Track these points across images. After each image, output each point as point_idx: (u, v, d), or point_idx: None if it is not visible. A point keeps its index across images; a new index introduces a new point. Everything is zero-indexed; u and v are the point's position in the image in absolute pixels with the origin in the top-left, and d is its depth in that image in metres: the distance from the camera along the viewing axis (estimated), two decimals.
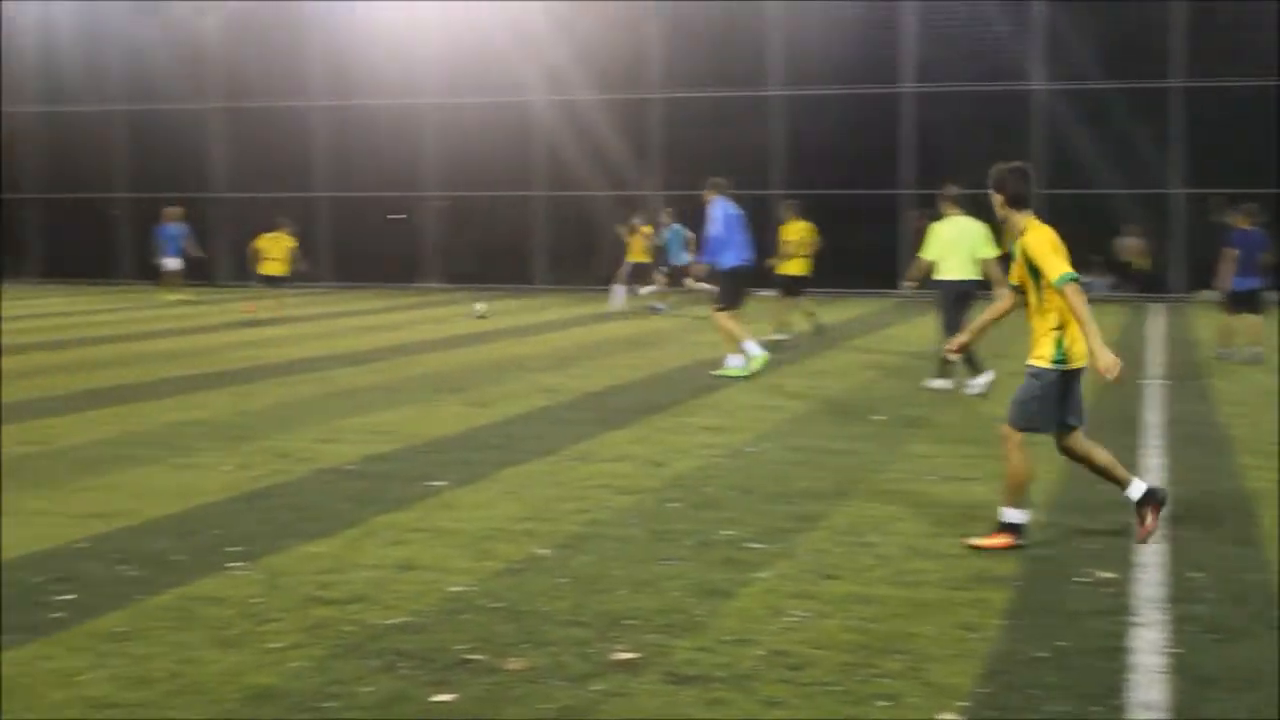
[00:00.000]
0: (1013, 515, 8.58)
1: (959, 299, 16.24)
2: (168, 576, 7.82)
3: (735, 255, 17.87)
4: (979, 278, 16.18)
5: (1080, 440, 8.84)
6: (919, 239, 17.46)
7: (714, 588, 7.59)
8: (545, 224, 39.32)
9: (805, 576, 7.83)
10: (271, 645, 6.57)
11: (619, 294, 31.17)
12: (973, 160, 35.22)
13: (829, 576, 7.84)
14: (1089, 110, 34.58)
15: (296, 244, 29.41)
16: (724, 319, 17.87)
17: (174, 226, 34.86)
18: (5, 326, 24.98)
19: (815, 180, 35.29)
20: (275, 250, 28.95)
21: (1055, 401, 8.63)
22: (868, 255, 35.47)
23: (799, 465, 11.36)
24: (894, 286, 31.47)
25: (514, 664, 6.29)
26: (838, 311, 29.87)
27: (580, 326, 26.24)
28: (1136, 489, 8.71)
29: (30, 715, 5.64)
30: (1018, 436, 8.65)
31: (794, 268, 23.71)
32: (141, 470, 11.11)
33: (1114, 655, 6.47)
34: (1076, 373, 8.67)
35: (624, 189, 37.77)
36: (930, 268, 16.54)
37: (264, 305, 28.72)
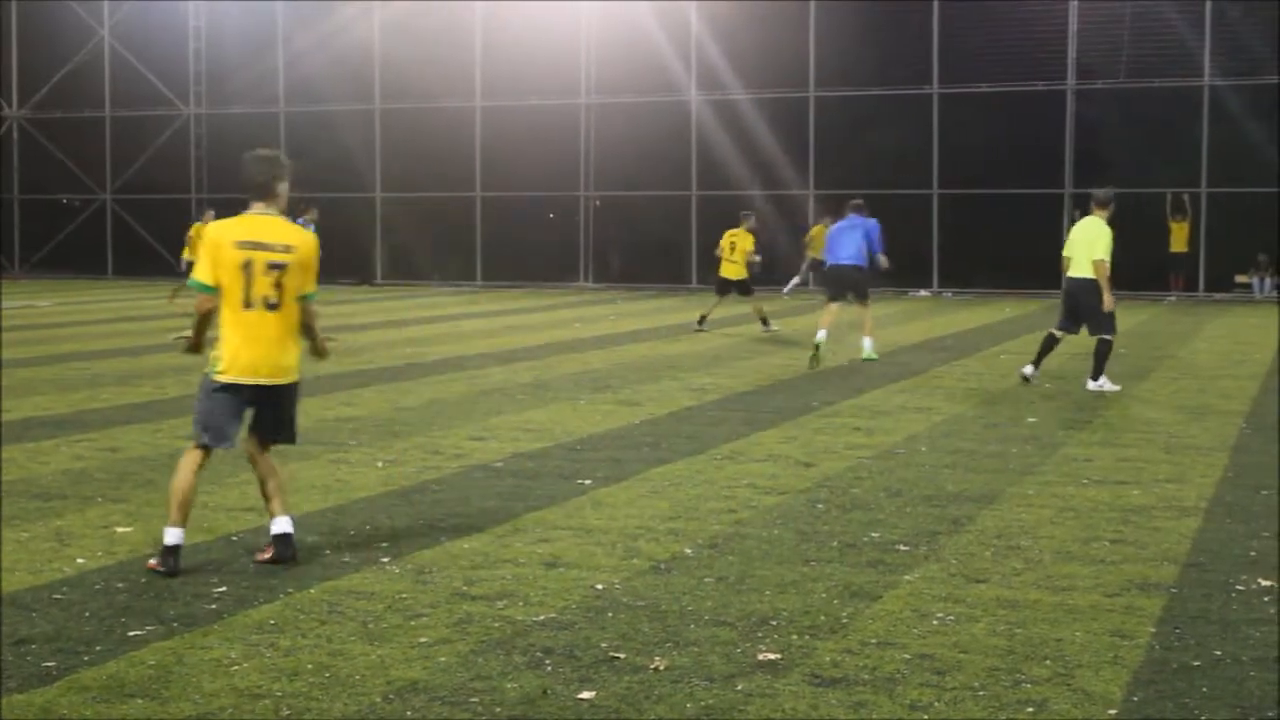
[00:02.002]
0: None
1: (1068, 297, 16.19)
2: (318, 570, 7.94)
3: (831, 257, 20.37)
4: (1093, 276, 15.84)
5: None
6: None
7: (859, 590, 7.53)
8: (699, 223, 39.33)
9: (952, 580, 7.74)
10: (419, 640, 6.64)
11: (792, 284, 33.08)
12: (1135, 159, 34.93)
13: (976, 580, 7.73)
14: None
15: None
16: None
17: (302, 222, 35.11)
18: (167, 324, 25.55)
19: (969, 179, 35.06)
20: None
21: None
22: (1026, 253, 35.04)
23: (949, 468, 11.23)
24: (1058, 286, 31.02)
25: (658, 662, 6.29)
26: (990, 313, 29.51)
27: (729, 327, 26.18)
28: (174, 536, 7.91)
29: (185, 703, 5.76)
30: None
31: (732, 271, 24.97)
32: (296, 465, 11.28)
33: (1271, 665, 6.30)
34: None
35: (780, 188, 37.65)
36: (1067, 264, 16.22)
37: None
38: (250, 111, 43.15)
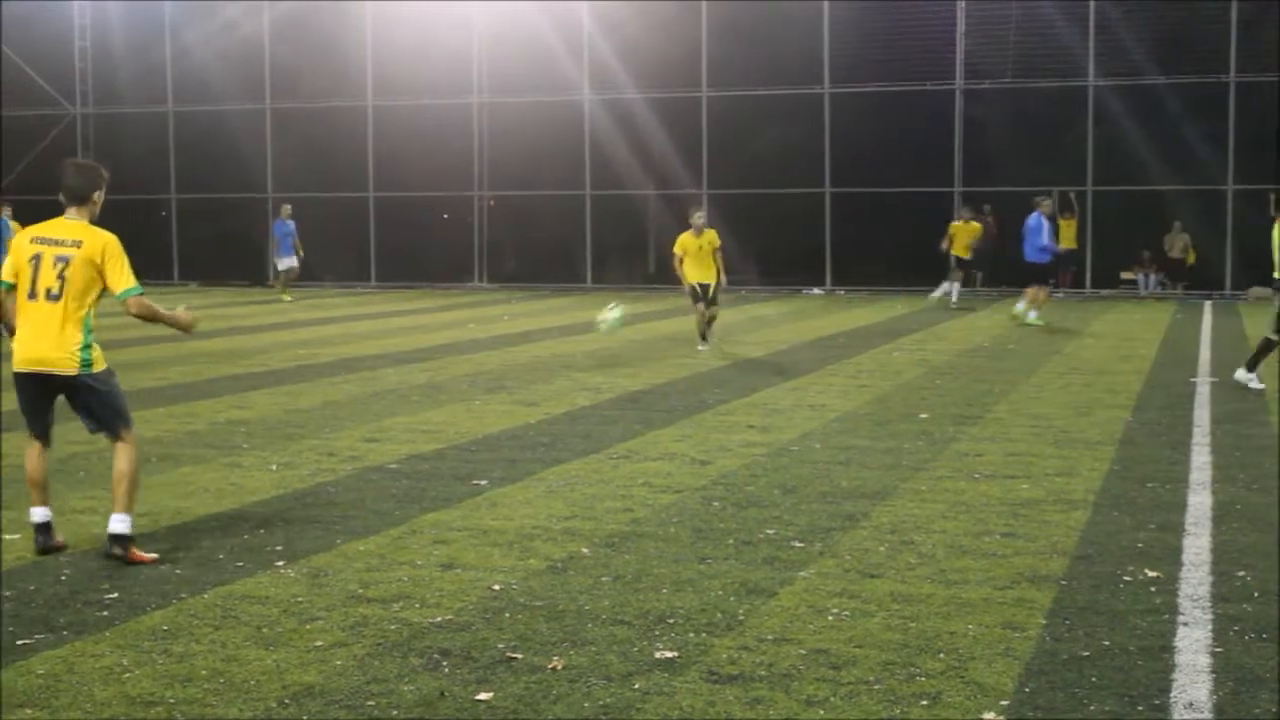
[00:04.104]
0: None
1: None
2: (211, 574, 7.87)
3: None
4: None
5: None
6: None
7: (756, 587, 7.58)
8: (593, 223, 39.33)
9: (847, 575, 7.81)
10: (314, 643, 6.60)
11: (947, 288, 30.87)
12: None
13: (871, 575, 7.82)
14: None
15: None
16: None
17: (282, 223, 34.39)
18: None
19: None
20: None
21: None
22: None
23: (843, 464, 11.33)
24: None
25: (555, 663, 6.30)
26: (881, 310, 29.79)
27: (627, 325, 26.20)
28: (37, 515, 8.49)
29: (76, 711, 5.69)
30: None
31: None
32: (188, 469, 11.18)
33: (1159, 655, 6.42)
34: None
35: (672, 187, 37.77)
36: None
37: None
38: (138, 111, 42.61)
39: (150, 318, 8.48)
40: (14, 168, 43.39)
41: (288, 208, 34.86)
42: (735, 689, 5.96)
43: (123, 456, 8.42)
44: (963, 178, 35.61)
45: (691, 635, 6.70)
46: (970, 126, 35.92)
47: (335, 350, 20.99)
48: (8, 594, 7.48)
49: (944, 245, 30.34)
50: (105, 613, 7.12)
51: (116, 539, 8.20)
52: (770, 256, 36.24)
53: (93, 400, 8.39)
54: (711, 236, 20.90)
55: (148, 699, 5.85)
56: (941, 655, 6.40)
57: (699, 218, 20.93)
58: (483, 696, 5.89)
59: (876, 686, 5.99)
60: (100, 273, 8.28)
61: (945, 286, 30.93)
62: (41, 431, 8.56)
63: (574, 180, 39.05)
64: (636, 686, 5.99)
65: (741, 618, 7.00)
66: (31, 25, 43.47)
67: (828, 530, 8.93)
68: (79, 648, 6.55)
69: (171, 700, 5.84)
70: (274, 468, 11.27)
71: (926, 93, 36.02)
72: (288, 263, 34.30)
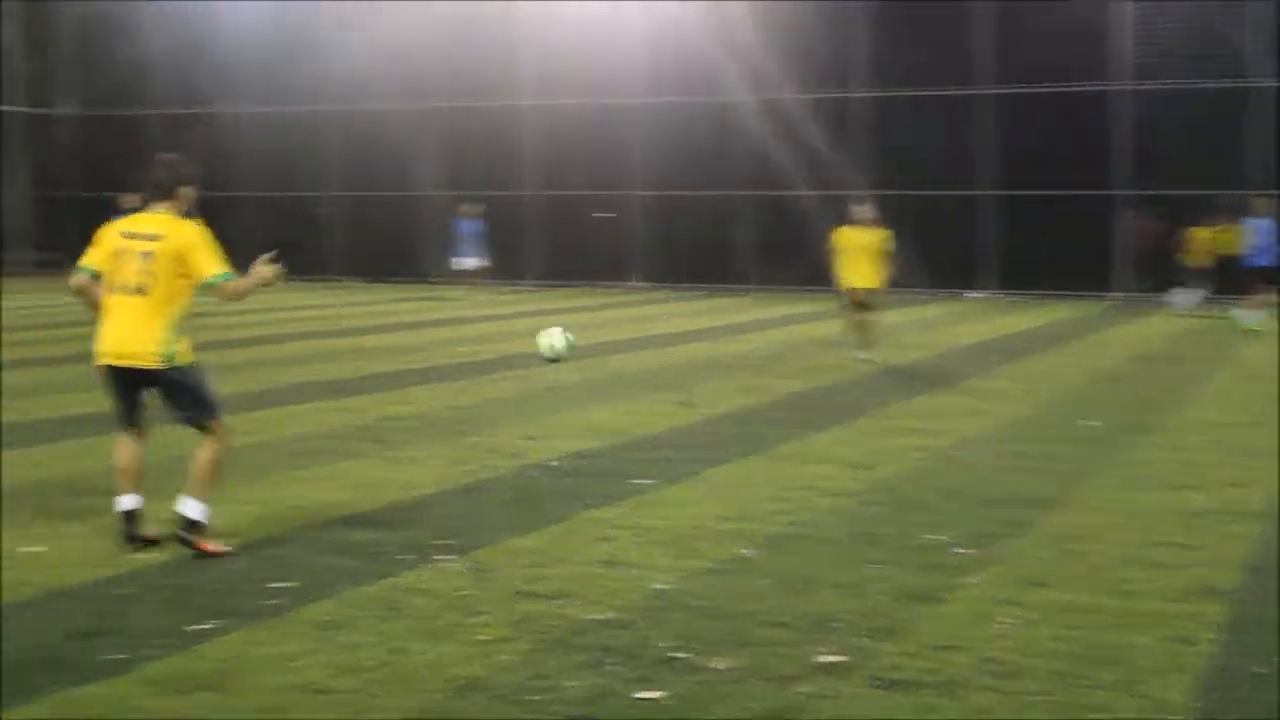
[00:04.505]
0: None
1: None
2: (377, 567, 7.96)
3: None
4: None
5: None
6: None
7: (920, 592, 7.49)
8: (750, 222, 39.20)
9: (1014, 583, 7.68)
10: (479, 637, 6.65)
11: (1185, 297, 29.32)
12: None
13: (1038, 584, 7.67)
14: None
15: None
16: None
17: (470, 223, 34.59)
18: (242, 319, 25.71)
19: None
20: None
21: None
22: None
23: (1007, 470, 11.16)
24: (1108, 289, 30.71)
25: (719, 663, 6.28)
26: (1043, 315, 29.34)
27: (784, 326, 26.15)
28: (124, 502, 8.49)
29: (248, 697, 5.79)
30: None
31: None
32: (354, 463, 11.34)
33: None
34: None
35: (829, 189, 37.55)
36: None
37: None
38: (301, 110, 43.40)
39: (244, 292, 8.51)
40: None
41: (470, 207, 35.04)
42: (901, 695, 5.88)
43: (206, 446, 8.45)
44: (1127, 180, 34.90)
45: (855, 640, 6.63)
46: (1136, 127, 35.16)
47: (496, 347, 21.18)
48: (180, 581, 7.64)
49: (1187, 251, 29.08)
50: (275, 601, 7.25)
51: (185, 521, 8.26)
52: (930, 258, 35.80)
53: (177, 393, 8.42)
54: (877, 234, 19.54)
55: (316, 687, 5.94)
56: (1112, 668, 6.26)
57: (864, 212, 19.67)
58: (645, 695, 5.88)
59: (1046, 698, 5.87)
60: (186, 264, 8.29)
61: (1188, 296, 29.18)
62: (130, 423, 8.58)
63: (731, 180, 38.98)
64: (801, 690, 5.94)
65: (906, 623, 6.92)
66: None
67: (993, 537, 8.79)
68: (250, 635, 6.67)
69: (339, 689, 5.91)
70: (437, 463, 11.39)
71: (1090, 93, 35.36)
72: (468, 262, 34.51)
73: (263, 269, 8.63)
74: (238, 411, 14.03)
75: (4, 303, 29.35)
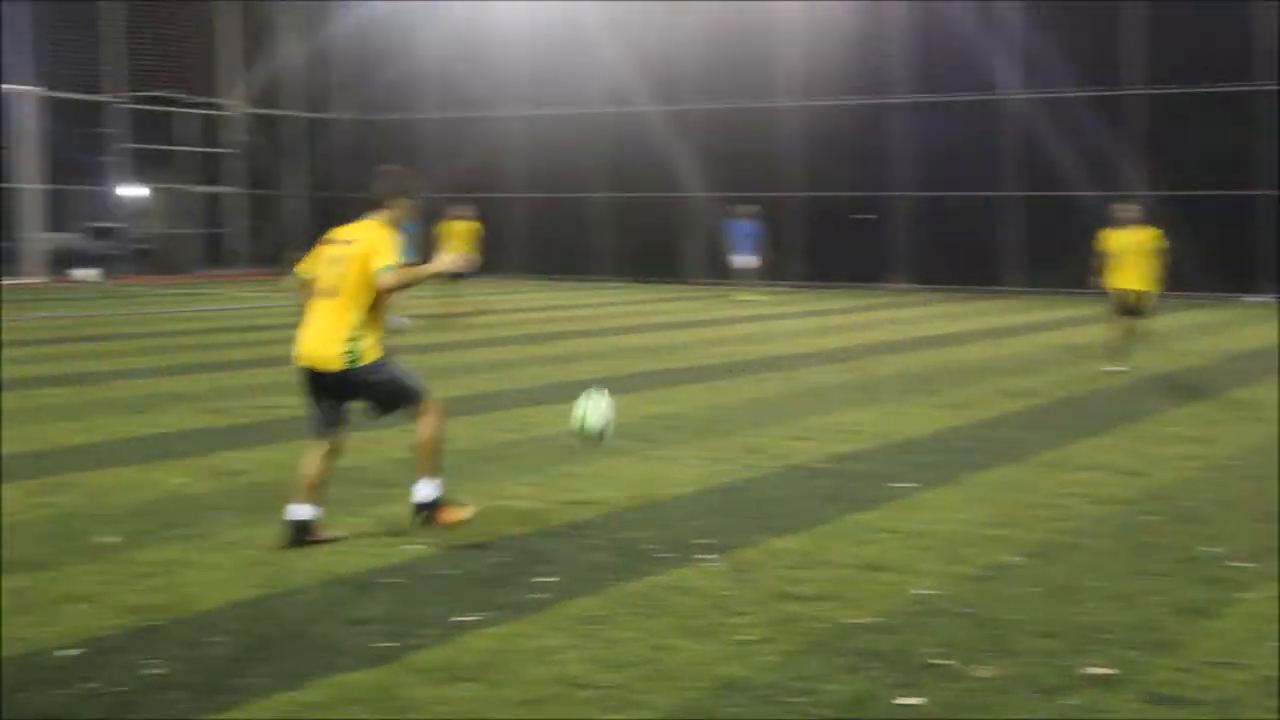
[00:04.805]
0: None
1: None
2: (641, 565, 8.02)
3: None
4: None
5: None
6: None
7: (1195, 606, 7.23)
8: (1017, 224, 38.47)
9: None
10: (740, 637, 6.65)
11: None
12: None
13: None
14: None
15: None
16: None
17: (745, 224, 34.55)
18: (487, 319, 26.24)
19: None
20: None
21: None
22: None
23: None
24: None
25: (982, 672, 6.16)
26: None
27: (1053, 330, 25.60)
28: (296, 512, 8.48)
29: (513, 689, 5.88)
30: None
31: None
32: (617, 460, 11.45)
33: None
34: None
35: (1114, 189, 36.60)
36: None
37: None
38: (567, 113, 44.05)
39: (408, 282, 8.51)
40: (451, 170, 45.55)
41: (746, 208, 35.03)
42: (1176, 712, 5.69)
43: (422, 425, 8.52)
44: None
45: (1126, 653, 6.44)
46: None
47: (758, 348, 21.19)
48: (454, 572, 7.81)
49: None
50: (541, 595, 7.36)
51: (421, 507, 8.45)
52: (1206, 261, 34.59)
53: (370, 391, 8.51)
54: (1149, 235, 18.49)
55: (579, 681, 6.01)
56: None
57: (1130, 212, 18.73)
58: (907, 701, 5.80)
59: None
60: (369, 266, 8.36)
61: None
62: (322, 430, 8.59)
63: (997, 180, 38.31)
64: (1068, 702, 5.79)
65: (1181, 638, 6.69)
66: (473, 28, 45.59)
67: (1273, 551, 8.43)
68: (515, 628, 6.78)
69: (602, 684, 5.97)
70: (699, 462, 11.44)
71: None
72: (745, 261, 34.47)
73: (438, 261, 8.86)
74: (508, 408, 14.36)
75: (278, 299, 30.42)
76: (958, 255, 39.15)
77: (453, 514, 8.52)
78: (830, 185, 40.48)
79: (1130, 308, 18.49)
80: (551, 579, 7.69)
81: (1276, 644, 6.58)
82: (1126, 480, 10.72)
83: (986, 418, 14.02)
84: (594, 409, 9.10)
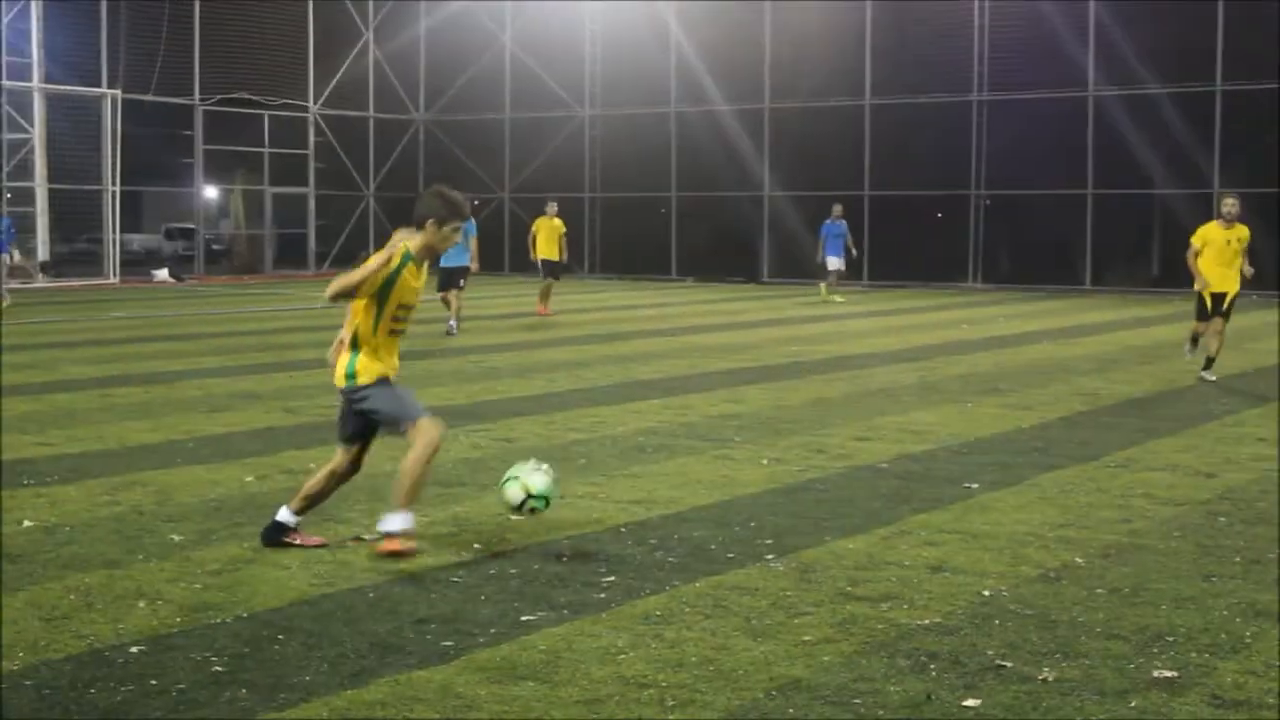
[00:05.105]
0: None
1: None
2: (703, 564, 8.02)
3: None
4: None
5: None
6: None
7: (1264, 609, 7.14)
8: (1093, 222, 38.15)
9: None
10: (802, 638, 6.63)
11: None
12: None
13: None
14: None
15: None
16: None
17: (832, 224, 34.26)
18: (564, 319, 26.30)
19: None
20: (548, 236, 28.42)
21: None
22: None
23: None
24: None
25: (1047, 673, 6.11)
26: None
27: (1125, 329, 25.36)
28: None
29: (574, 689, 5.89)
30: None
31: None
32: (682, 460, 11.45)
33: None
34: None
35: (1191, 186, 36.24)
36: None
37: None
38: (641, 112, 44.15)
39: (338, 291, 8.03)
40: (524, 170, 45.81)
41: (839, 208, 34.79)
42: (1241, 715, 5.62)
43: (408, 453, 8.17)
44: None
45: (1193, 655, 6.37)
46: None
47: (827, 348, 21.13)
48: (513, 571, 7.83)
49: None
50: (602, 595, 7.36)
51: (385, 535, 8.16)
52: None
53: (366, 412, 8.27)
54: (1242, 232, 17.18)
55: (640, 681, 6.01)
56: None
57: (1232, 207, 17.27)
58: (970, 703, 5.76)
59: None
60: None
61: None
62: (341, 439, 8.45)
63: (1074, 178, 38.02)
64: (1133, 704, 5.73)
65: (1249, 640, 6.61)
66: (547, 30, 45.73)
67: None
68: (578, 627, 6.79)
69: (663, 684, 5.97)
70: (765, 462, 11.41)
71: None
72: (836, 263, 34.38)
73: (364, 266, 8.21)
74: (578, 407, 14.39)
75: None
76: (1036, 254, 38.89)
77: (393, 544, 8.12)
78: (903, 184, 40.29)
79: (1222, 310, 17.30)
80: (615, 578, 7.70)
81: None
82: (1197, 481, 10.60)
83: (1056, 417, 13.91)
84: (534, 479, 8.41)
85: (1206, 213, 35.10)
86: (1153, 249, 38.05)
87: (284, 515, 8.40)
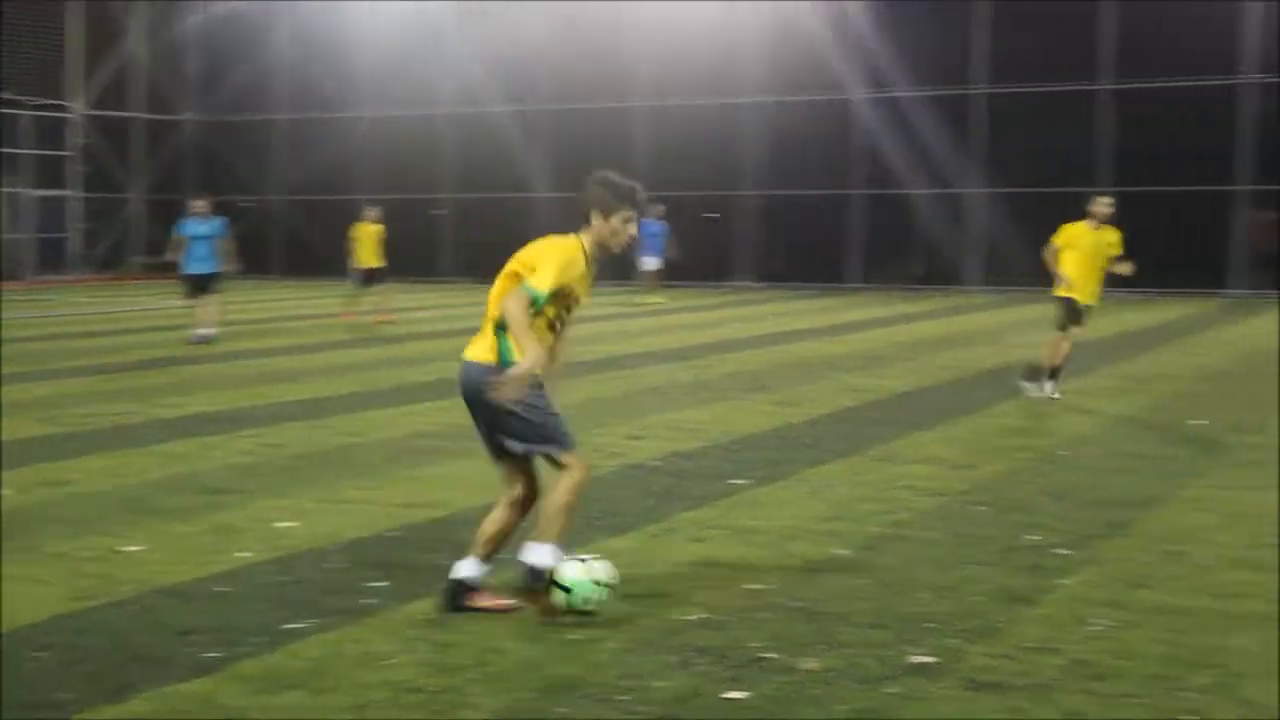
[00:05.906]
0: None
1: None
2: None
3: None
4: None
5: None
6: None
7: (1017, 594, 7.40)
8: (860, 223, 39.03)
9: (1113, 585, 7.58)
10: (571, 637, 6.67)
11: None
12: None
13: (1138, 586, 7.57)
14: None
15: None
16: None
17: (654, 224, 33.47)
18: (334, 324, 25.98)
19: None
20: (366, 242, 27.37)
21: None
22: None
23: (1113, 471, 11.01)
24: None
25: (809, 664, 6.25)
26: (1161, 313, 28.94)
27: (890, 326, 25.99)
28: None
29: (340, 696, 5.85)
30: None
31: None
32: (452, 462, 11.41)
33: None
34: None
35: (944, 187, 37.33)
36: None
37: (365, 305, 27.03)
38: (411, 114, 43.89)
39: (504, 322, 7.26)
40: (296, 171, 45.12)
41: (656, 208, 34.29)
42: (992, 697, 5.82)
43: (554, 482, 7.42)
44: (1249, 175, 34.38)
45: (950, 640, 6.58)
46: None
47: (601, 348, 21.23)
48: (278, 580, 7.74)
49: None
50: (373, 600, 7.31)
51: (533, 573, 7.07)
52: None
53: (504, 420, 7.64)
54: (1112, 235, 15.64)
55: (409, 686, 5.98)
56: (1211, 671, 6.15)
57: (1106, 207, 15.57)
58: (733, 695, 5.87)
59: (1139, 700, 5.79)
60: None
61: None
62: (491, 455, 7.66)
63: (845, 178, 38.91)
64: (891, 691, 5.90)
65: (1001, 625, 6.85)
66: (321, 29, 45.17)
67: (1094, 538, 8.68)
68: (345, 634, 6.73)
69: (432, 688, 5.95)
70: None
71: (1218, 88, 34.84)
72: (650, 263, 33.98)
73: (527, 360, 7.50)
74: (348, 412, 14.22)
75: (120, 304, 29.88)
76: (804, 253, 39.65)
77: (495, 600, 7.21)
78: (680, 185, 40.69)
79: (1080, 319, 15.77)
80: (384, 583, 7.65)
81: (1093, 629, 6.76)
82: (957, 473, 10.93)
83: (822, 414, 14.20)
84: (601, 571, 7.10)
85: (956, 213, 36.40)
86: (915, 247, 39.01)
87: (465, 569, 7.22)
